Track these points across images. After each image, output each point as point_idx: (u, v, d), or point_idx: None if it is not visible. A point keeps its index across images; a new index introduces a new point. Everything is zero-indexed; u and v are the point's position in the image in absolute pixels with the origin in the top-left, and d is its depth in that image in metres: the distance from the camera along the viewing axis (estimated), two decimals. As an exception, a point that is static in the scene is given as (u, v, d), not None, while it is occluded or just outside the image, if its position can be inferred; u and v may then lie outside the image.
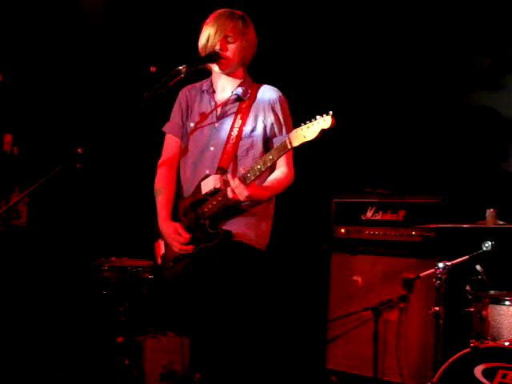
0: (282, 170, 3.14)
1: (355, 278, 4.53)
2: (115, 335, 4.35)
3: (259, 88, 3.23)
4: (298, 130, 2.75)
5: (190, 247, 3.11)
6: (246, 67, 3.27)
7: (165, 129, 3.38)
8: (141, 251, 4.73)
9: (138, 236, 5.10)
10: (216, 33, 3.12)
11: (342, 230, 4.66)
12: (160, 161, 3.35)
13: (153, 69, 3.01)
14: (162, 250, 3.30)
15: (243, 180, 2.92)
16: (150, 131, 5.06)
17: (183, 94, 3.35)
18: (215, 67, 3.17)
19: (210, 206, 3.07)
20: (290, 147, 2.79)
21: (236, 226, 3.09)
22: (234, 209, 3.07)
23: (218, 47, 3.12)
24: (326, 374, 4.58)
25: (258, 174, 2.91)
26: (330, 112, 2.68)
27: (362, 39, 5.03)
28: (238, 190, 2.90)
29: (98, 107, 4.94)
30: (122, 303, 4.32)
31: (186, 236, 3.11)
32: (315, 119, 2.71)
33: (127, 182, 5.28)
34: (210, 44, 3.15)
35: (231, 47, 3.13)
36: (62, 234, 4.95)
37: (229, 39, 3.13)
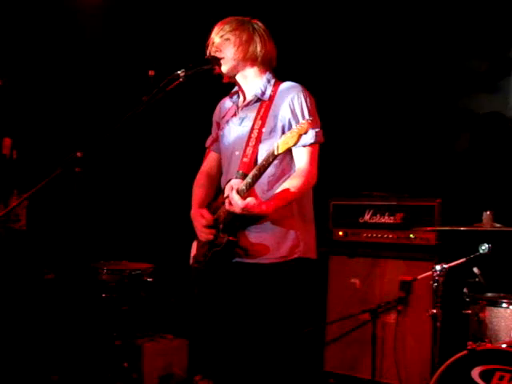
0: (298, 173, 3.03)
1: (353, 280, 4.55)
2: (114, 338, 4.36)
3: (280, 86, 3.17)
4: (284, 135, 2.76)
5: (212, 231, 3.09)
6: (267, 66, 3.21)
7: (206, 144, 3.46)
8: (140, 254, 4.76)
9: (137, 239, 5.13)
10: (214, 38, 3.17)
11: (340, 233, 4.67)
12: (199, 171, 3.44)
13: (151, 73, 3.02)
14: (194, 251, 3.32)
15: (239, 191, 2.86)
16: (148, 135, 5.10)
17: (217, 107, 3.41)
18: (222, 71, 3.18)
19: (224, 211, 3.05)
20: (276, 153, 2.76)
21: (260, 238, 3.03)
22: (247, 217, 2.98)
23: (213, 50, 3.15)
24: (324, 377, 4.59)
25: (252, 181, 2.86)
26: (310, 118, 2.76)
27: (360, 43, 5.04)
28: (233, 202, 2.84)
29: (97, 111, 4.95)
30: (121, 306, 4.34)
31: (209, 218, 3.11)
32: (299, 125, 2.73)
33: (126, 186, 5.30)
34: (209, 49, 3.19)
35: (226, 45, 3.14)
36: (61, 238, 4.96)
37: (224, 38, 3.15)
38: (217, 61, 3.14)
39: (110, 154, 4.41)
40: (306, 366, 4.57)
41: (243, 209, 2.82)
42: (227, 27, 3.16)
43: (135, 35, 5.24)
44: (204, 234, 3.13)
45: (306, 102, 3.07)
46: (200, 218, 3.15)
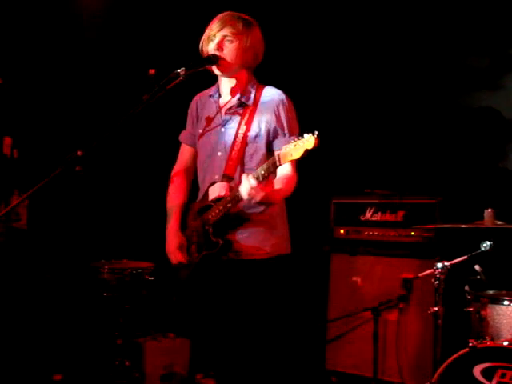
0: (287, 176, 3.09)
1: (355, 278, 4.55)
2: (116, 337, 4.36)
3: (263, 91, 3.19)
4: (287, 147, 2.76)
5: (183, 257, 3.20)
6: (252, 70, 3.23)
7: (180, 138, 3.46)
8: (141, 253, 4.75)
9: (138, 238, 5.13)
10: (215, 34, 3.12)
11: (342, 231, 4.67)
12: (174, 169, 3.45)
13: (152, 71, 3.01)
14: None
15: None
16: (148, 134, 5.10)
17: (194, 103, 3.39)
18: (215, 70, 3.16)
19: (213, 214, 3.09)
20: (278, 164, 2.80)
21: (248, 239, 3.10)
22: (238, 218, 3.07)
23: (215, 48, 3.11)
24: (326, 375, 4.59)
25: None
26: (316, 132, 2.70)
27: (361, 40, 5.04)
28: (255, 191, 2.84)
29: (98, 110, 4.95)
30: (123, 305, 4.33)
31: (181, 258, 3.20)
32: (302, 137, 2.72)
33: (127, 184, 5.29)
34: (208, 45, 3.15)
35: (229, 47, 3.11)
36: (61, 237, 4.96)
37: (227, 39, 3.11)
38: (217, 60, 3.11)
39: (110, 153, 4.40)
40: (308, 364, 4.58)
41: (265, 196, 2.86)
42: (233, 28, 3.10)
43: (135, 34, 5.24)
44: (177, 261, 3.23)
45: (290, 110, 3.15)
46: (178, 253, 3.20)
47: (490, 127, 4.58)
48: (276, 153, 2.84)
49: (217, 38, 3.12)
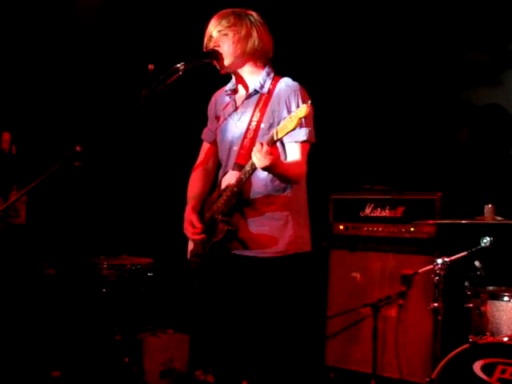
0: (295, 159, 3.07)
1: (354, 274, 4.54)
2: (115, 333, 4.36)
3: (279, 81, 3.18)
4: (284, 121, 2.76)
5: (201, 236, 3.14)
6: (261, 59, 3.21)
7: (201, 136, 3.46)
8: (140, 249, 4.75)
9: (137, 234, 5.13)
10: (212, 32, 3.15)
11: (341, 227, 4.67)
12: (194, 165, 3.44)
13: (151, 66, 3.00)
14: (191, 246, 3.34)
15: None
16: (147, 129, 5.09)
17: (212, 100, 3.41)
18: (217, 65, 3.17)
19: (222, 202, 3.09)
20: (275, 138, 2.79)
21: (258, 230, 3.08)
22: (248, 206, 3.06)
23: (212, 45, 3.14)
24: (326, 371, 4.59)
25: (249, 174, 2.93)
26: (309, 101, 2.73)
27: (360, 36, 5.03)
28: (265, 148, 2.77)
29: (96, 105, 4.94)
30: (122, 301, 4.33)
31: (199, 226, 3.15)
32: (298, 109, 2.72)
33: (126, 180, 5.28)
34: (207, 43, 3.17)
35: (225, 41, 3.13)
36: (60, 233, 4.96)
37: (222, 34, 3.13)
38: (216, 55, 3.13)
39: (109, 148, 4.39)
40: (307, 360, 4.57)
41: (266, 152, 2.77)
42: (225, 22, 3.13)
43: (134, 28, 5.23)
44: (195, 239, 3.20)
45: (302, 102, 3.07)
46: (189, 226, 3.19)
47: (494, 123, 4.57)
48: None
49: (214, 36, 3.15)
